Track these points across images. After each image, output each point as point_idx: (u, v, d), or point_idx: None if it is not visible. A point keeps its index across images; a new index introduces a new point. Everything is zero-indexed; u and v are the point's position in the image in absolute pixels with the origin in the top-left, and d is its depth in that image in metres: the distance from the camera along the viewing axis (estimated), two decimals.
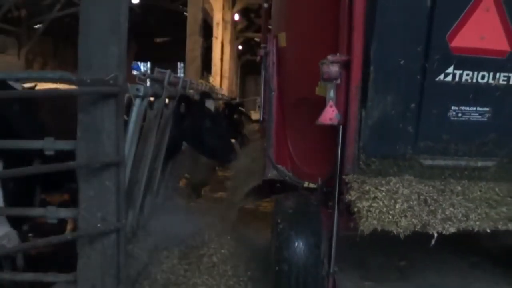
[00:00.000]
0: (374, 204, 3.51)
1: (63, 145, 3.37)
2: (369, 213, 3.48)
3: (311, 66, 3.92)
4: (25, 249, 4.24)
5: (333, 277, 3.92)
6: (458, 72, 3.73)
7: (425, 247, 5.70)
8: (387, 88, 3.76)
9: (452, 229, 3.49)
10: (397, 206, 3.51)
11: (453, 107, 3.83)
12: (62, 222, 5.16)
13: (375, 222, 3.44)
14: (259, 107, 10.40)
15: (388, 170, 3.86)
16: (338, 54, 3.77)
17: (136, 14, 23.04)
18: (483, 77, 3.76)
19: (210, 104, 5.67)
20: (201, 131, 5.45)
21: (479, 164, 3.96)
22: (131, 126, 4.00)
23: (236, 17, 23.07)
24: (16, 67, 19.36)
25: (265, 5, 6.31)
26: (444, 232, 3.49)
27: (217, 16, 19.17)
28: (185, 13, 17.77)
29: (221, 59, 19.82)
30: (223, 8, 19.61)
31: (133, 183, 4.34)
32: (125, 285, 3.62)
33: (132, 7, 21.79)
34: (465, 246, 5.88)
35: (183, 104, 5.31)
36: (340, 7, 3.77)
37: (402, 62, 3.71)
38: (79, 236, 3.46)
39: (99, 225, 3.39)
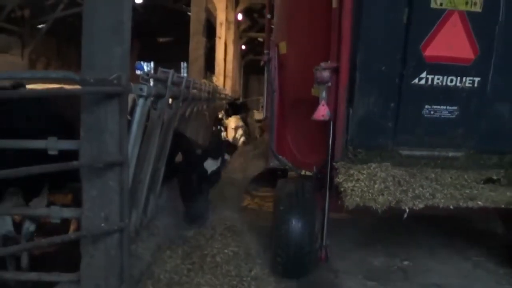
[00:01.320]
0: (357, 185, 4.22)
1: (67, 144, 3.37)
2: (352, 191, 4.17)
3: (307, 71, 4.58)
4: (29, 249, 4.25)
5: (325, 249, 4.70)
6: (430, 77, 4.40)
7: (428, 247, 5.73)
8: (370, 90, 4.45)
9: (421, 205, 4.15)
10: (376, 186, 4.20)
11: (426, 106, 4.50)
12: (66, 222, 5.18)
13: (357, 199, 4.14)
14: (262, 107, 10.62)
15: (372, 160, 4.48)
16: (329, 61, 4.47)
17: (139, 14, 23.04)
18: (451, 81, 4.43)
19: (210, 165, 5.40)
20: (186, 183, 5.35)
21: (450, 154, 4.64)
22: (134, 126, 4.00)
23: (239, 17, 23.04)
24: (19, 67, 19.37)
25: (268, 16, 7.07)
26: (414, 208, 4.12)
27: (220, 16, 19.15)
28: (188, 13, 17.77)
29: (224, 59, 19.80)
30: (226, 8, 19.59)
31: (136, 182, 4.34)
32: (128, 285, 3.62)
33: (135, 7, 21.79)
34: (468, 246, 5.88)
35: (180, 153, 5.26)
36: (331, 23, 4.46)
37: (383, 68, 4.40)
38: (82, 236, 3.46)
39: (102, 224, 3.40)
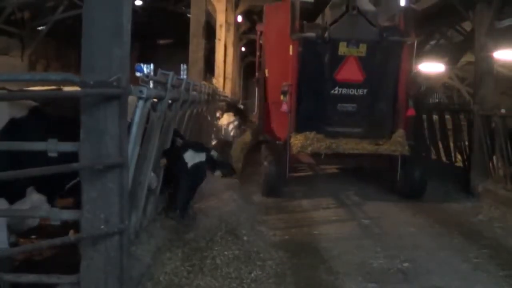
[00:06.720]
0: (298, 142, 8.14)
1: (67, 146, 3.36)
2: (296, 145, 8.13)
3: (278, 86, 8.65)
4: (29, 251, 4.24)
5: (286, 178, 8.66)
6: (340, 89, 8.49)
7: (427, 249, 5.72)
8: (309, 97, 8.59)
9: (329, 152, 8.14)
10: (307, 142, 8.10)
11: (339, 105, 8.53)
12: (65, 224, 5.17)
13: (298, 148, 8.08)
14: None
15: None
16: (288, 81, 8.50)
17: (139, 16, 23.07)
18: (351, 91, 8.51)
19: (192, 158, 5.24)
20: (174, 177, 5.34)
21: (354, 130, 8.55)
22: (134, 127, 4.00)
23: (239, 19, 23.02)
24: (19, 69, 19.36)
25: (258, 53, 11.47)
26: (326, 152, 8.07)
27: (220, 18, 19.10)
28: (188, 15, 17.75)
29: (224, 61, 19.75)
30: (226, 10, 19.51)
31: (136, 184, 4.34)
32: (128, 287, 3.62)
33: (135, 9, 21.81)
34: (467, 248, 5.88)
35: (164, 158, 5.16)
36: (289, 61, 8.55)
37: (315, 85, 8.53)
38: (82, 238, 3.45)
39: (102, 226, 3.39)
